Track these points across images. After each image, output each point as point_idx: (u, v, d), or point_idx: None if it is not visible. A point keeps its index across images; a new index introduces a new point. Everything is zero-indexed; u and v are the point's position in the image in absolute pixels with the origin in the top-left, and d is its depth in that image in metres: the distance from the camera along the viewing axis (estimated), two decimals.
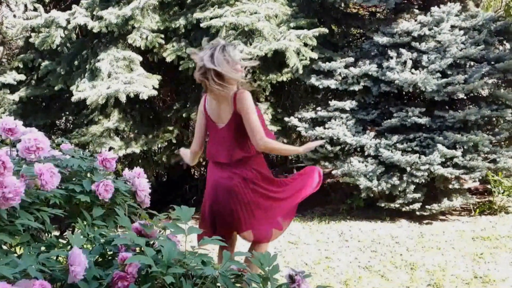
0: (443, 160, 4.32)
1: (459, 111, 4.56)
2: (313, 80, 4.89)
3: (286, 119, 5.02)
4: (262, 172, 2.12)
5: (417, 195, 4.45)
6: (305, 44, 4.77)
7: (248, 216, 2.07)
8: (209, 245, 1.23)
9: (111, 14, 4.70)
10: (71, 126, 5.87)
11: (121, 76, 4.62)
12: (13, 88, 5.43)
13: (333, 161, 4.82)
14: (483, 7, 6.25)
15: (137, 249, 1.16)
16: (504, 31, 4.94)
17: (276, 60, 4.81)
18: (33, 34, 5.08)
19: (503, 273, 3.21)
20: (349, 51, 5.19)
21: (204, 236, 1.30)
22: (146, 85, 4.62)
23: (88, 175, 1.43)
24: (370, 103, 4.94)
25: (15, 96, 5.29)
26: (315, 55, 4.81)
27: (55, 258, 1.11)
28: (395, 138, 4.55)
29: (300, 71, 4.76)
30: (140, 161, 5.44)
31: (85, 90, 4.64)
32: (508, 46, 4.94)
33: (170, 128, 5.25)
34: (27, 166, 1.28)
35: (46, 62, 5.25)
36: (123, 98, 4.47)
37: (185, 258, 1.08)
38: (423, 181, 4.40)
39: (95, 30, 4.80)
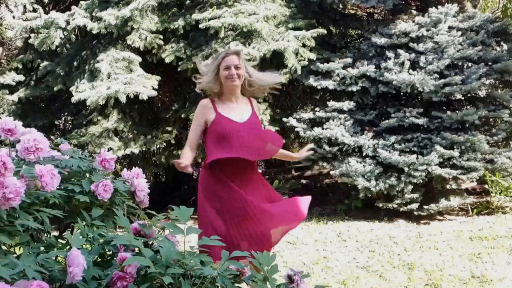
0: (441, 160, 4.35)
1: (457, 111, 4.58)
2: (311, 80, 4.90)
3: (284, 119, 5.03)
4: (201, 186, 2.14)
5: (415, 195, 4.47)
6: (304, 45, 4.79)
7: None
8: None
9: (110, 15, 4.71)
10: (70, 126, 5.88)
11: (121, 76, 4.63)
12: (12, 89, 5.43)
13: (331, 162, 4.84)
14: (481, 8, 6.28)
15: (136, 249, 1.17)
16: (501, 32, 4.96)
17: (274, 61, 4.82)
18: (32, 35, 5.09)
19: (500, 273, 3.22)
20: (347, 52, 5.21)
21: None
22: (145, 85, 4.63)
23: (87, 175, 1.43)
24: (368, 104, 4.96)
25: (14, 97, 5.29)
26: (313, 56, 4.82)
27: (54, 258, 1.12)
28: (393, 138, 4.56)
29: (299, 72, 4.78)
30: (139, 161, 5.44)
31: (85, 91, 4.65)
32: (505, 47, 4.96)
33: (169, 128, 5.25)
34: (27, 167, 1.29)
35: (45, 63, 5.25)
36: (123, 99, 4.48)
37: (184, 258, 1.08)
38: (421, 181, 4.42)
39: (94, 31, 4.81)
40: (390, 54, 4.79)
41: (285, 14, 5.16)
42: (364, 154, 4.63)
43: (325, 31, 4.92)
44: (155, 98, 5.06)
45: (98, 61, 4.80)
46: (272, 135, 2.26)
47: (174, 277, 1.05)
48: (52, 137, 5.37)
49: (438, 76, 4.55)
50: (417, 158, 4.35)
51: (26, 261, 1.01)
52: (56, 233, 1.41)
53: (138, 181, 1.49)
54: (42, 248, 1.17)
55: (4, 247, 1.15)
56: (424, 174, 4.34)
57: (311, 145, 2.48)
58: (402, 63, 4.69)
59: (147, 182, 1.52)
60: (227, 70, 2.16)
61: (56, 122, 5.99)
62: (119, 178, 1.52)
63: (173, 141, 5.21)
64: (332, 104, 4.87)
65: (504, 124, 4.74)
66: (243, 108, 2.23)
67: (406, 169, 4.38)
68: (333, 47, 5.35)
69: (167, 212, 1.32)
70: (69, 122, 6.15)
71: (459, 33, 4.74)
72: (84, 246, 1.18)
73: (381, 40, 4.83)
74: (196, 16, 4.81)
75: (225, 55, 2.18)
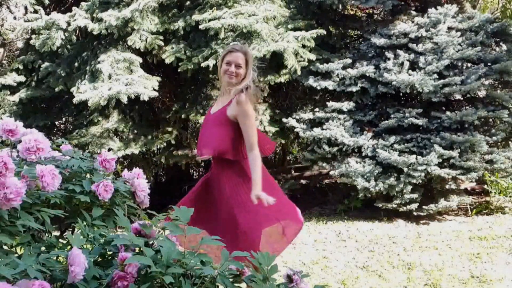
0: (440, 160, 4.35)
1: (456, 112, 4.59)
2: (311, 81, 4.91)
3: (284, 120, 5.05)
4: None
5: (414, 196, 4.47)
6: (303, 46, 4.80)
7: None
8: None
9: (111, 16, 4.72)
10: (71, 127, 5.89)
11: (122, 77, 4.64)
12: (13, 90, 5.44)
13: (330, 162, 4.85)
14: (480, 9, 6.29)
15: (137, 249, 1.18)
16: (500, 33, 4.97)
17: (274, 62, 4.84)
18: (33, 36, 5.10)
19: (499, 273, 3.23)
20: (346, 53, 5.22)
21: None
22: (146, 86, 4.64)
23: (88, 175, 1.44)
24: (368, 104, 4.97)
25: (15, 97, 5.31)
26: (313, 57, 4.83)
27: (55, 258, 1.12)
28: (392, 138, 4.57)
29: (298, 72, 4.79)
30: (139, 161, 5.46)
31: (86, 92, 4.65)
32: (504, 47, 4.97)
33: (169, 129, 5.26)
34: (28, 167, 1.30)
35: (46, 64, 5.27)
36: (124, 100, 4.48)
37: (184, 258, 1.09)
38: (420, 181, 4.43)
39: (95, 32, 4.82)
40: (389, 54, 4.80)
41: (285, 15, 5.18)
42: (363, 154, 4.64)
43: (324, 32, 4.93)
44: (155, 98, 5.07)
45: (99, 62, 4.81)
46: (210, 138, 2.11)
47: (175, 276, 1.06)
48: (53, 137, 5.38)
49: (437, 77, 4.56)
50: (416, 158, 4.36)
51: (28, 261, 1.02)
52: (57, 233, 1.42)
53: (139, 181, 1.50)
54: (43, 248, 1.17)
55: (5, 247, 1.16)
56: (423, 174, 4.35)
57: (266, 200, 2.01)
58: (402, 64, 4.70)
59: (147, 182, 1.53)
60: (227, 66, 2.13)
61: (56, 122, 6.00)
62: (119, 179, 1.53)
63: (173, 142, 5.22)
64: (331, 104, 4.88)
65: (503, 125, 4.75)
66: (223, 102, 2.18)
67: (405, 169, 4.39)
68: (332, 48, 5.36)
69: (167, 212, 1.33)
70: (70, 122, 6.16)
71: (459, 33, 4.75)
72: (85, 246, 1.18)
73: (380, 41, 4.83)
74: (196, 17, 4.82)
75: (231, 50, 2.15)
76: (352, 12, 5.92)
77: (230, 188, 2.10)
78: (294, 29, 4.95)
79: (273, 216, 2.11)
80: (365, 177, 4.53)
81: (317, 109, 5.03)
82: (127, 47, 4.94)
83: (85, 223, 1.26)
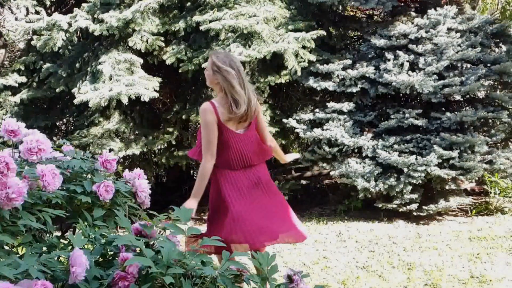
0: (440, 161, 4.36)
1: (456, 112, 4.60)
2: (311, 82, 4.92)
3: (284, 120, 5.06)
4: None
5: (414, 196, 4.48)
6: (303, 47, 4.81)
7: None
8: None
9: (112, 17, 4.74)
10: (72, 127, 5.90)
11: (123, 78, 4.65)
12: (14, 90, 5.46)
13: (330, 162, 4.86)
14: (479, 10, 6.30)
15: (138, 249, 1.19)
16: (500, 34, 4.98)
17: (274, 62, 4.85)
18: (34, 37, 5.12)
19: (499, 273, 3.24)
20: (346, 54, 5.23)
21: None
22: (147, 87, 4.65)
23: (89, 176, 1.45)
24: (368, 105, 4.98)
25: (17, 98, 5.32)
26: (313, 57, 4.84)
27: (56, 258, 1.13)
28: (392, 139, 4.58)
29: (298, 73, 4.80)
30: (140, 162, 5.46)
31: (87, 93, 4.66)
32: (504, 48, 4.97)
33: (170, 129, 5.28)
34: (29, 168, 1.31)
35: (48, 65, 5.28)
36: (125, 100, 4.49)
37: (184, 258, 1.09)
38: (420, 182, 4.44)
39: (96, 33, 4.83)
40: (389, 55, 4.81)
41: (285, 16, 5.19)
42: (363, 155, 4.64)
43: (324, 33, 4.94)
44: (156, 99, 5.08)
45: (100, 63, 4.82)
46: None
47: (175, 277, 1.07)
48: (54, 138, 5.39)
49: (437, 77, 4.57)
50: (416, 158, 4.37)
51: (29, 261, 1.02)
52: (58, 234, 1.43)
53: (140, 182, 1.51)
54: (44, 248, 1.18)
55: (7, 247, 1.17)
56: (423, 174, 4.36)
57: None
58: (401, 65, 4.71)
59: (148, 183, 1.54)
60: None
61: (58, 123, 6.01)
62: (120, 179, 1.53)
63: (174, 142, 5.23)
64: (331, 105, 4.89)
65: (503, 125, 4.76)
66: None
67: (405, 169, 4.40)
68: (332, 49, 5.37)
69: (168, 212, 1.34)
70: (71, 123, 6.17)
71: (458, 34, 4.76)
72: (86, 246, 1.19)
73: (380, 42, 4.84)
74: (196, 18, 4.83)
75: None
76: (352, 13, 5.93)
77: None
78: (295, 30, 4.96)
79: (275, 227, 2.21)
80: (365, 177, 4.54)
81: (317, 110, 5.04)
82: (128, 48, 4.96)
83: (86, 224, 1.27)
